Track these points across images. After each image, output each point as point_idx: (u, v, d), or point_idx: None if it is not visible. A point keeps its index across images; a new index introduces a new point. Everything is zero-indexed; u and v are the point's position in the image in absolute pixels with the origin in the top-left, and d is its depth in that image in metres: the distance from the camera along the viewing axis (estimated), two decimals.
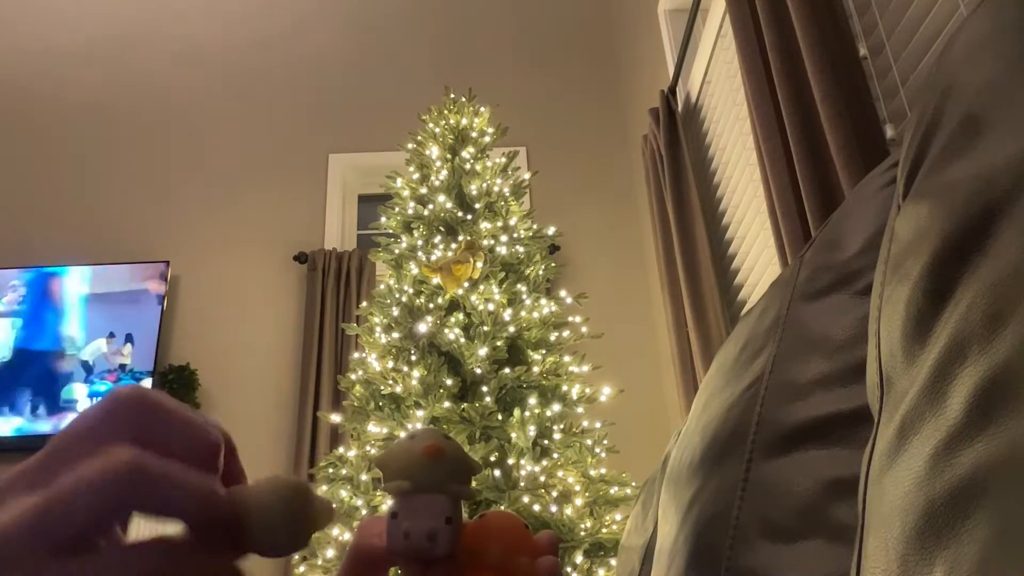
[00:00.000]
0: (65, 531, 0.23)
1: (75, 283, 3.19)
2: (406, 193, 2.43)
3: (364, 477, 1.97)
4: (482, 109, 2.57)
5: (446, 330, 2.09)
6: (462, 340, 2.07)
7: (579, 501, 1.92)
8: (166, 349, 3.14)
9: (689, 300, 2.27)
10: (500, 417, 1.98)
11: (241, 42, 3.83)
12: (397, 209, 2.41)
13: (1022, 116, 0.26)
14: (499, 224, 2.33)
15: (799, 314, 0.56)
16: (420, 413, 1.98)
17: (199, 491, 0.25)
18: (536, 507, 1.86)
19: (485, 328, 2.07)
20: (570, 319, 2.26)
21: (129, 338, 3.07)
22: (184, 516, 0.25)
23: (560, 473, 1.93)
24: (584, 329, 2.26)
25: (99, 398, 0.27)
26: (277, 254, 3.34)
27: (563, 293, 2.30)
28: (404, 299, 2.20)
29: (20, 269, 3.21)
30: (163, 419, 0.26)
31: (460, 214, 2.34)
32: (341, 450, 2.10)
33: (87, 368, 3.04)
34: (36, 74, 3.73)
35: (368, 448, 2.01)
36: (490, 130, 2.54)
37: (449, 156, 2.44)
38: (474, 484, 1.86)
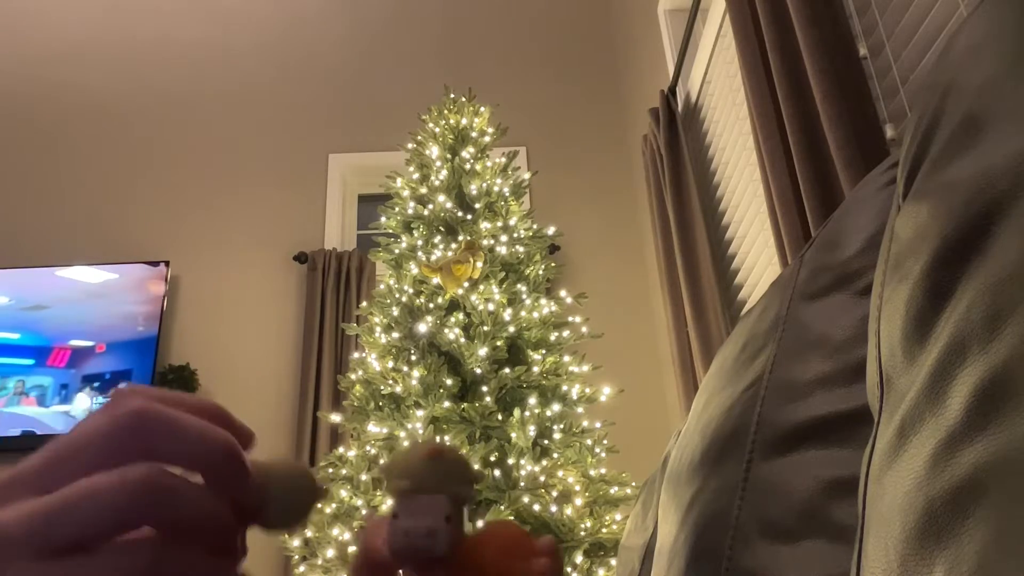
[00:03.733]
0: (67, 536, 0.24)
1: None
2: (406, 193, 2.43)
3: (364, 477, 1.97)
4: (482, 109, 2.57)
5: (446, 330, 2.08)
6: (462, 340, 2.07)
7: (579, 501, 1.92)
8: (166, 349, 3.14)
9: (689, 300, 2.27)
10: (500, 417, 1.98)
11: (241, 43, 3.83)
12: (397, 209, 2.41)
13: (1022, 116, 0.26)
14: (499, 224, 2.33)
15: (799, 314, 0.56)
16: (420, 413, 1.97)
17: (209, 511, 0.26)
18: (536, 507, 1.86)
19: (485, 328, 2.07)
20: (570, 319, 2.26)
21: None
22: (190, 532, 0.26)
23: (560, 473, 1.93)
24: (584, 329, 2.26)
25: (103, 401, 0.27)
26: (277, 254, 3.34)
27: (563, 293, 2.30)
28: (404, 299, 2.20)
29: (20, 269, 3.21)
30: (168, 433, 0.26)
31: (460, 214, 2.34)
32: (341, 450, 2.10)
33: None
34: (36, 75, 3.73)
35: (368, 448, 2.01)
36: (490, 130, 2.54)
37: (449, 156, 2.44)
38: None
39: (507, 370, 2.05)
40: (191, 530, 0.26)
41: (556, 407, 2.04)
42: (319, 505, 0.31)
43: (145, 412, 0.26)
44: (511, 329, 2.11)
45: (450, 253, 2.21)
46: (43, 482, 0.25)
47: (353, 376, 2.14)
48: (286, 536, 2.08)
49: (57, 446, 0.26)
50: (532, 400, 2.02)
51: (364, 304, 2.42)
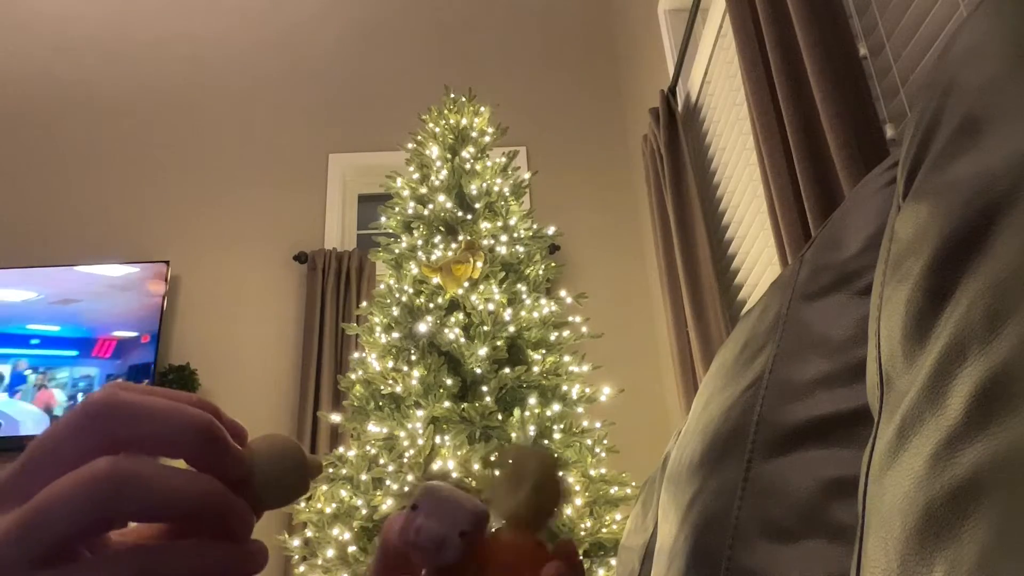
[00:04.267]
0: (45, 544, 0.23)
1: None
2: (406, 193, 2.43)
3: (364, 477, 1.97)
4: (482, 109, 2.57)
5: (446, 330, 2.08)
6: (462, 340, 2.07)
7: (579, 501, 1.92)
8: (166, 349, 3.14)
9: (689, 300, 2.27)
10: (500, 417, 1.98)
11: (242, 42, 3.83)
12: (397, 209, 2.41)
13: (1022, 116, 0.26)
14: (499, 224, 2.33)
15: (799, 314, 0.56)
16: (420, 413, 1.97)
17: (176, 487, 0.25)
18: None
19: (485, 328, 2.07)
20: (570, 319, 2.26)
21: None
22: (168, 515, 0.25)
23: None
24: (584, 329, 2.26)
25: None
26: (277, 254, 3.34)
27: (563, 293, 2.30)
28: (404, 299, 2.20)
29: (21, 269, 3.21)
30: (135, 417, 0.25)
31: (460, 214, 2.34)
32: (341, 450, 2.10)
33: None
34: (36, 74, 3.73)
35: (368, 448, 2.01)
36: (490, 130, 2.54)
37: (449, 156, 2.44)
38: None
39: (507, 370, 2.05)
40: (165, 515, 0.25)
41: (556, 407, 2.04)
42: (311, 481, 0.31)
43: (108, 401, 0.25)
44: (511, 329, 2.11)
45: (450, 253, 2.21)
46: (17, 493, 0.24)
47: (353, 376, 2.14)
48: (286, 536, 2.08)
49: (30, 451, 0.25)
50: (532, 400, 2.02)
51: (364, 304, 2.42)
